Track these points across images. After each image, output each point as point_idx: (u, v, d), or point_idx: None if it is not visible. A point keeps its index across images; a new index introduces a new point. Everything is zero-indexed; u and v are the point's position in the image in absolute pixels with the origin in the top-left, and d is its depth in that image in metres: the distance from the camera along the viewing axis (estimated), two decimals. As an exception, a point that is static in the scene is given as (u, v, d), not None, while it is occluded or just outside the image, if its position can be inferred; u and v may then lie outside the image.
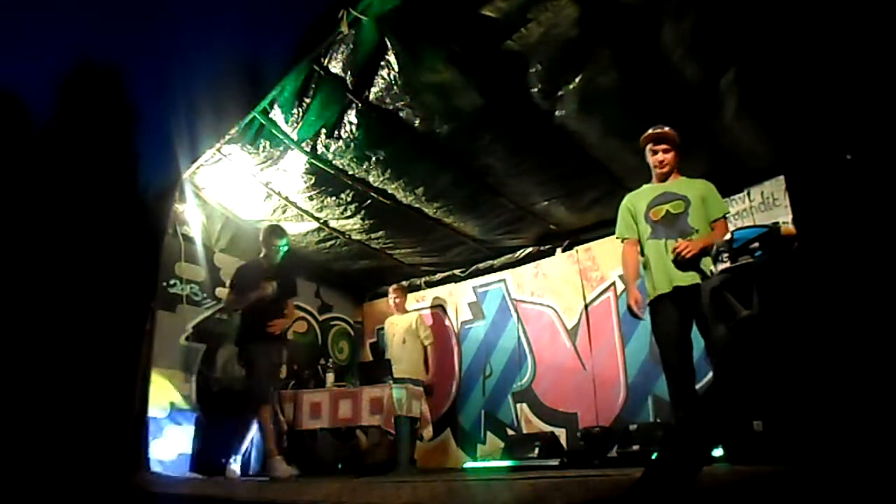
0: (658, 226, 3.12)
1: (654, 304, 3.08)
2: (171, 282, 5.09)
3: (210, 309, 5.37)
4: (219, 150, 4.57)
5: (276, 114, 4.17)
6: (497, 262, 5.99)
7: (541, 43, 3.34)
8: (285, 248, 4.53)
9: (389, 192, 4.88)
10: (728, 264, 2.12)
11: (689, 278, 2.91)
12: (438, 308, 6.40)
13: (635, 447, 4.20)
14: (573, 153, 4.28)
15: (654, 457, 2.59)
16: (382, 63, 3.61)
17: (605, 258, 5.24)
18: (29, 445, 4.26)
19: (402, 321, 5.78)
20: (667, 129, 3.22)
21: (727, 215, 3.11)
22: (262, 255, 4.52)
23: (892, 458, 1.26)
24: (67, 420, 4.54)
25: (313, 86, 3.89)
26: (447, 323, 6.28)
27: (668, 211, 3.07)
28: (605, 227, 5.24)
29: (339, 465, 5.37)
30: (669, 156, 3.18)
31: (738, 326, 1.99)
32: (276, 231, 4.56)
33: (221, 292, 5.49)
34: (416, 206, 5.05)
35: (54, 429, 4.46)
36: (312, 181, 4.78)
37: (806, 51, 1.48)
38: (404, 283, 6.54)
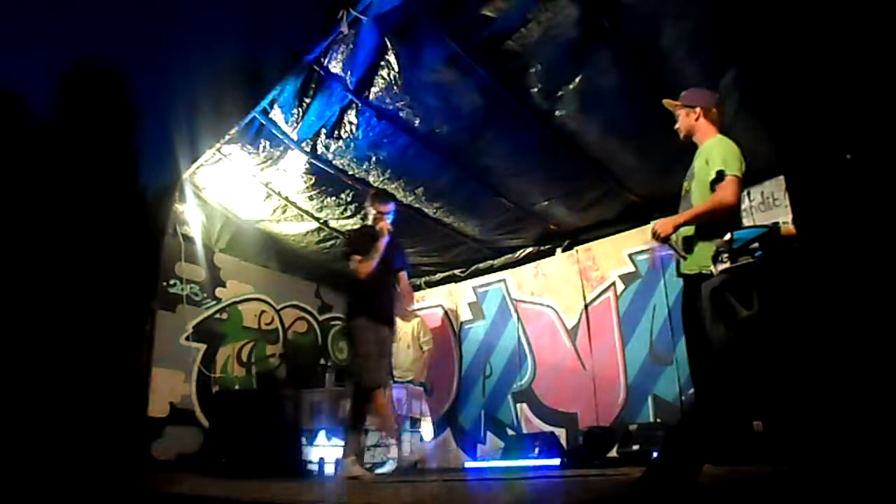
0: (680, 205, 2.70)
1: None
2: (171, 282, 5.09)
3: (210, 309, 5.37)
4: (219, 150, 4.57)
5: (276, 114, 4.17)
6: (497, 262, 6.00)
7: (541, 43, 3.34)
8: (393, 215, 4.04)
9: (389, 192, 4.88)
10: (728, 264, 2.11)
11: (688, 267, 2.53)
12: (438, 308, 6.40)
13: (635, 447, 4.20)
14: (573, 153, 4.28)
15: (654, 457, 2.57)
16: (382, 63, 3.61)
17: (605, 258, 5.24)
18: (29, 445, 4.26)
19: (406, 327, 5.75)
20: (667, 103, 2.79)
21: (726, 173, 2.38)
22: (369, 220, 4.06)
23: (892, 458, 1.26)
24: (67, 420, 4.54)
25: (313, 86, 3.89)
26: (447, 323, 6.29)
27: (685, 188, 2.67)
28: (605, 227, 5.26)
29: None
30: (679, 122, 2.73)
31: (738, 326, 1.98)
32: (382, 195, 4.12)
33: (221, 292, 5.50)
34: (416, 206, 5.05)
35: (54, 429, 4.46)
36: (312, 181, 4.79)
37: (806, 50, 1.48)
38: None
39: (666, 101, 2.76)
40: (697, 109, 2.66)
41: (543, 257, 5.68)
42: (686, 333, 2.50)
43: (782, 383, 1.98)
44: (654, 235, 2.51)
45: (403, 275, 4.10)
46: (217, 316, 5.41)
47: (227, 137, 4.42)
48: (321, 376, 5.46)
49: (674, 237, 2.54)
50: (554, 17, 3.18)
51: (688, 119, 2.68)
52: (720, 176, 2.41)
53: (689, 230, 2.49)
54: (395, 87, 3.75)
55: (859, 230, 1.33)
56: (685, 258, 2.51)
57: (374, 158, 4.47)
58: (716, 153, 2.48)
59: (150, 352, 4.71)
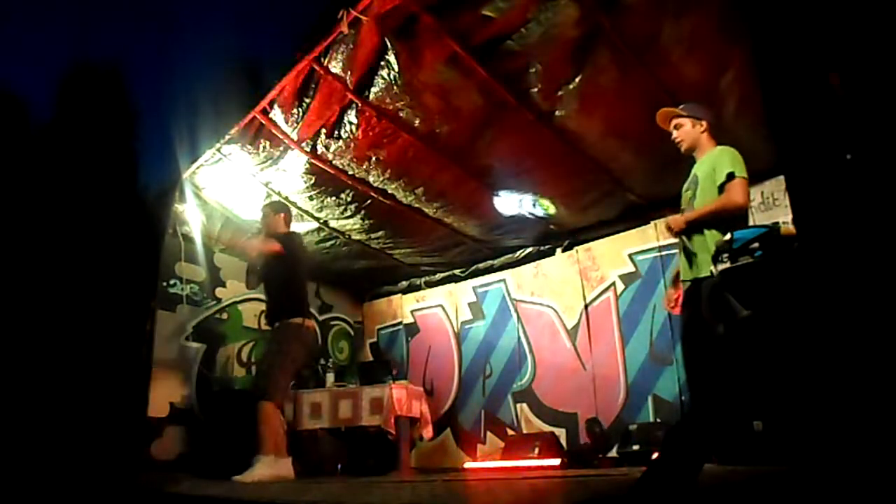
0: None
1: None
2: (171, 282, 5.09)
3: (210, 309, 5.37)
4: (219, 150, 4.56)
5: (276, 114, 4.17)
6: (497, 262, 5.99)
7: (541, 43, 3.34)
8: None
9: (389, 192, 4.88)
10: (728, 264, 2.11)
11: (692, 272, 2.49)
12: (438, 308, 6.40)
13: (635, 447, 4.21)
14: (573, 153, 4.28)
15: (654, 457, 2.57)
16: (382, 63, 3.61)
17: (605, 258, 5.24)
18: (29, 445, 4.26)
19: None
20: (666, 110, 2.82)
21: (736, 175, 2.42)
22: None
23: (892, 458, 1.26)
24: (67, 420, 4.54)
25: (313, 86, 3.89)
26: (447, 323, 6.28)
27: (688, 198, 2.66)
28: (605, 227, 5.26)
29: (339, 465, 5.37)
30: (678, 132, 2.74)
31: (737, 326, 1.98)
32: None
33: (221, 292, 5.50)
34: (416, 206, 5.05)
35: (54, 429, 4.46)
36: (312, 181, 4.78)
37: (807, 50, 1.48)
38: (404, 283, 6.54)
39: (666, 110, 2.77)
40: (704, 123, 2.68)
41: (543, 257, 5.68)
42: (683, 336, 2.49)
43: (782, 383, 1.98)
44: (669, 230, 2.56)
45: None
46: (217, 316, 5.41)
47: (227, 137, 4.42)
48: (321, 376, 5.46)
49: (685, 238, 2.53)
50: (554, 17, 3.17)
51: (693, 131, 2.70)
52: (730, 177, 2.42)
53: (699, 236, 2.47)
54: (395, 87, 3.74)
55: (859, 230, 1.33)
56: (693, 254, 2.47)
57: (374, 158, 4.46)
58: (725, 159, 2.49)
59: (150, 352, 4.70)
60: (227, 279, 5.57)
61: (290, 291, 4.05)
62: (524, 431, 5.32)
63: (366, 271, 6.41)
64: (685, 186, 2.71)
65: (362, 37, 3.47)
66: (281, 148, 4.46)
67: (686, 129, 2.71)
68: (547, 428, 5.15)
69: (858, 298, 1.32)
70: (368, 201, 4.99)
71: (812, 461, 1.79)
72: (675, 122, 2.74)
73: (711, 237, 2.37)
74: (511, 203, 4.91)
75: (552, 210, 4.95)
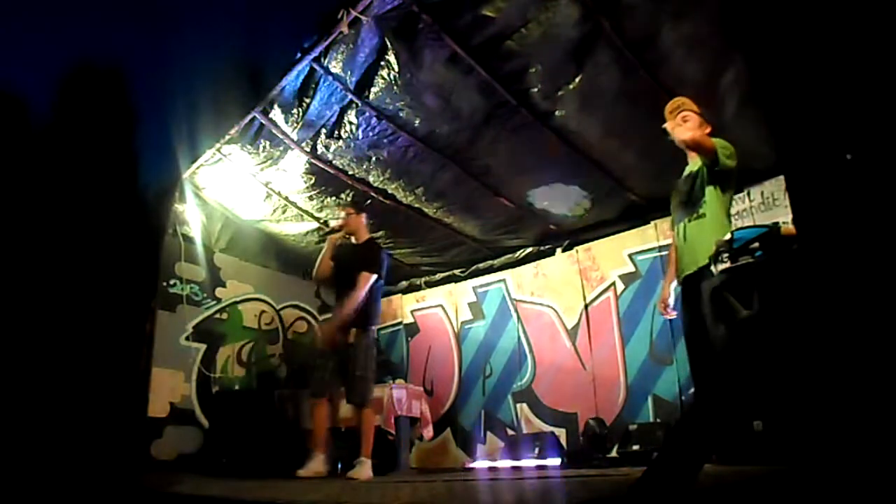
0: (676, 210, 2.71)
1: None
2: (171, 282, 5.10)
3: (210, 309, 5.37)
4: (219, 150, 4.57)
5: (276, 114, 4.17)
6: (497, 262, 6.00)
7: (541, 43, 3.34)
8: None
9: (389, 192, 4.88)
10: (728, 264, 2.11)
11: (695, 264, 2.42)
12: (438, 308, 6.40)
13: (635, 447, 4.21)
14: (573, 153, 4.29)
15: (654, 457, 2.56)
16: (382, 63, 3.62)
17: (605, 258, 5.24)
18: (29, 445, 4.26)
19: None
20: (681, 99, 2.77)
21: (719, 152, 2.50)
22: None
23: (892, 458, 1.26)
24: (67, 420, 4.54)
25: (313, 86, 3.90)
26: (447, 323, 6.28)
27: (682, 190, 2.67)
28: (605, 227, 5.26)
29: (339, 465, 5.37)
30: (685, 124, 2.66)
31: (738, 326, 1.98)
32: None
33: (221, 292, 5.50)
34: (416, 206, 5.05)
35: (54, 429, 4.46)
36: (312, 181, 4.79)
37: (807, 50, 1.48)
38: (404, 283, 6.53)
39: (683, 99, 2.76)
40: (709, 127, 2.71)
41: (543, 257, 5.68)
42: (685, 331, 2.48)
43: (782, 383, 1.98)
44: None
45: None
46: (217, 316, 5.41)
47: (227, 137, 4.42)
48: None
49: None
50: (554, 17, 3.18)
51: (700, 129, 2.71)
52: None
53: (694, 237, 2.48)
54: (395, 87, 3.75)
55: (859, 230, 1.33)
56: (691, 249, 2.47)
57: (374, 158, 4.47)
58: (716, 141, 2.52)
59: (150, 352, 4.71)
60: (227, 279, 5.57)
61: (377, 301, 3.97)
62: (524, 431, 5.32)
63: (366, 271, 6.41)
64: (683, 179, 2.71)
65: (362, 37, 3.48)
66: (281, 148, 4.46)
67: (693, 125, 2.72)
68: (547, 428, 5.15)
69: (858, 298, 1.32)
70: (368, 201, 4.99)
71: (812, 461, 1.79)
72: (684, 114, 2.74)
73: (710, 233, 2.37)
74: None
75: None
